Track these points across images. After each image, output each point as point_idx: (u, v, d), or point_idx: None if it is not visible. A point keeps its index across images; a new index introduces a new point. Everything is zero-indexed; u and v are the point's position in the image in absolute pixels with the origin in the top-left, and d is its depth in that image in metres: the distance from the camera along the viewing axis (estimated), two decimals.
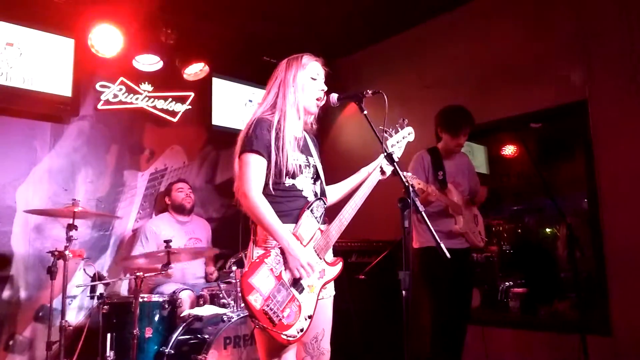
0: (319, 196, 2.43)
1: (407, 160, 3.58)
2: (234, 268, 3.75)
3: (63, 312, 3.41)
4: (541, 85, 4.16)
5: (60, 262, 3.46)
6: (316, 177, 2.47)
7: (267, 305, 2.12)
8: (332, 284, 2.44)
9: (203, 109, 5.26)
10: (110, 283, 4.28)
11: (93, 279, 3.68)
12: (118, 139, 4.81)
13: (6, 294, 4.10)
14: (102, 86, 4.66)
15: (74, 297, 4.36)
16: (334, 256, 2.45)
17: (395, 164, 2.34)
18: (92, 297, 3.66)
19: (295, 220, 2.32)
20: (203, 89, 5.23)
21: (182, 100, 5.13)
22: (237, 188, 2.33)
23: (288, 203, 2.33)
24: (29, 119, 4.32)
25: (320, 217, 2.39)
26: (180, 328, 3.55)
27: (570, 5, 4.03)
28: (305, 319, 2.24)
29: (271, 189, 2.30)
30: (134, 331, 3.34)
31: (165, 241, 3.71)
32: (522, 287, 4.81)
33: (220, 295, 3.80)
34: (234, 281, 3.77)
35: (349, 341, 4.01)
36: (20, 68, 4.15)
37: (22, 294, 4.16)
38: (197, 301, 3.96)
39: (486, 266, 5.12)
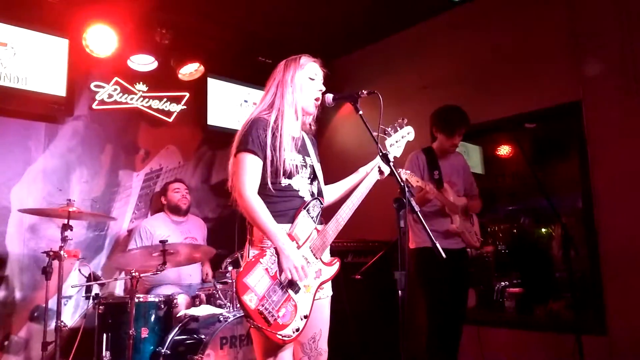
0: (315, 196, 2.43)
1: (402, 161, 3.59)
2: (230, 268, 3.75)
3: (58, 313, 3.39)
4: (536, 86, 4.17)
5: (56, 263, 3.44)
6: (313, 177, 2.47)
7: (262, 305, 2.12)
8: (329, 284, 2.45)
9: (198, 109, 5.25)
10: (105, 283, 4.28)
11: (88, 279, 3.67)
12: (113, 139, 4.79)
13: (1, 294, 4.08)
14: (96, 86, 4.65)
15: (70, 297, 4.35)
16: (331, 256, 2.46)
17: (390, 164, 2.34)
18: (87, 298, 3.65)
19: (291, 220, 2.32)
20: (198, 89, 5.22)
21: (177, 100, 5.12)
22: (231, 186, 2.33)
23: (284, 203, 2.33)
24: (24, 119, 4.30)
25: (317, 216, 2.39)
26: (177, 328, 3.55)
27: (565, 6, 4.05)
28: (301, 319, 2.24)
29: (267, 188, 2.31)
30: (130, 331, 3.32)
31: (160, 241, 3.69)
32: (518, 287, 4.82)
33: (217, 295, 3.79)
34: (230, 281, 3.76)
35: (345, 341, 4.02)
36: (15, 68, 4.13)
37: (17, 294, 4.15)
38: (193, 301, 3.96)
39: (482, 266, 5.13)
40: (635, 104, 3.65)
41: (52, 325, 3.44)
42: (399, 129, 2.66)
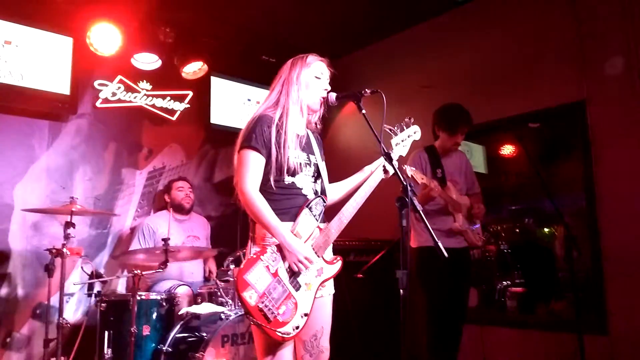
0: (318, 194, 2.43)
1: (404, 160, 3.58)
2: (232, 266, 3.76)
3: (60, 310, 3.40)
4: (540, 85, 4.17)
5: (58, 260, 3.46)
6: (317, 176, 2.48)
7: (262, 302, 2.12)
8: (331, 282, 2.44)
9: (201, 107, 5.26)
10: (107, 281, 4.28)
11: (91, 276, 3.69)
12: (116, 137, 4.80)
13: (4, 291, 4.10)
14: (100, 84, 4.66)
15: (72, 294, 4.36)
16: (334, 255, 2.45)
17: (393, 162, 2.34)
18: (89, 295, 3.67)
19: (294, 218, 2.32)
20: (202, 87, 5.23)
21: (180, 98, 5.13)
22: (236, 183, 2.34)
23: (287, 201, 2.34)
24: (27, 117, 4.31)
25: (319, 215, 2.39)
26: (178, 326, 3.55)
27: (569, 5, 4.04)
28: (302, 317, 2.24)
29: (271, 185, 2.31)
30: (132, 329, 3.33)
31: (163, 239, 3.70)
32: (520, 286, 4.81)
33: (218, 293, 3.80)
34: (232, 279, 3.77)
35: (347, 339, 4.02)
36: (19, 66, 4.14)
37: (20, 291, 4.16)
38: (195, 299, 3.96)
39: (484, 265, 5.12)
40: None
41: (55, 322, 3.45)
42: (405, 128, 2.65)
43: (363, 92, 2.37)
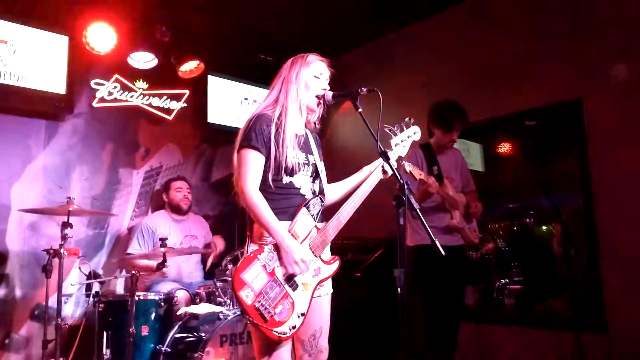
0: (316, 194, 2.43)
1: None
2: (229, 266, 3.75)
3: (59, 311, 3.39)
4: (536, 83, 4.17)
5: (56, 260, 3.44)
6: (315, 176, 2.48)
7: (259, 301, 2.13)
8: (329, 281, 2.44)
9: (198, 106, 5.24)
10: (105, 281, 4.28)
11: (88, 277, 3.69)
12: (113, 136, 4.79)
13: (1, 292, 4.08)
14: (96, 84, 4.64)
15: (70, 295, 4.35)
16: (332, 254, 2.45)
17: (390, 161, 2.34)
18: (87, 296, 3.66)
19: (291, 218, 2.32)
20: (198, 86, 5.21)
21: (177, 98, 5.11)
22: (235, 181, 2.34)
23: (285, 200, 2.34)
24: (24, 117, 4.30)
25: (317, 214, 2.39)
26: (177, 326, 3.55)
27: (566, 3, 4.04)
28: (299, 317, 2.24)
29: (269, 185, 2.31)
30: (130, 329, 3.33)
31: (160, 239, 3.70)
32: (518, 284, 4.82)
33: (217, 293, 3.79)
34: (230, 279, 3.76)
35: (345, 338, 4.02)
36: (14, 65, 4.12)
37: (18, 292, 4.15)
38: (193, 299, 3.96)
39: (482, 264, 5.13)
40: (636, 102, 3.64)
41: (53, 323, 3.45)
42: (405, 128, 2.65)
43: (359, 90, 2.36)
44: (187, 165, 5.28)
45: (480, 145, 5.39)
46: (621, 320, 3.61)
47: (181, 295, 3.89)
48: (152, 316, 3.60)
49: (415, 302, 3.55)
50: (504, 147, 5.55)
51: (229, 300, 3.70)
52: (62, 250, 3.42)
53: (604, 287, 3.72)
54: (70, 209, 3.49)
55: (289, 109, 2.38)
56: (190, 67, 4.94)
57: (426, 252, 3.17)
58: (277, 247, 2.24)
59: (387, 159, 2.33)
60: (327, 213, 2.46)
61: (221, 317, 3.45)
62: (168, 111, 5.07)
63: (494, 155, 5.52)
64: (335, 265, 2.41)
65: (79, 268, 4.17)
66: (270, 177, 2.31)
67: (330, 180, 2.61)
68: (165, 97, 5.04)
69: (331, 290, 2.48)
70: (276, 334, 2.15)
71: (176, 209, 4.62)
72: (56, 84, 4.30)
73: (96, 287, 3.77)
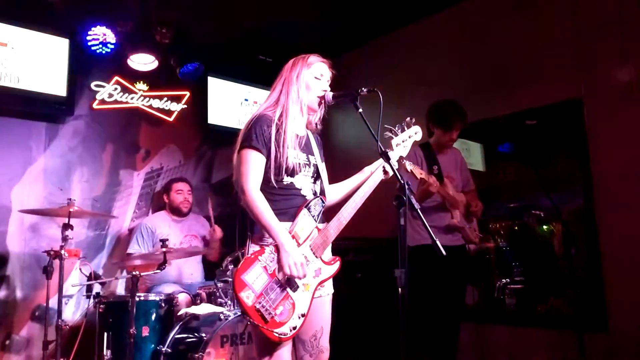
0: (317, 195, 2.43)
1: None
2: (230, 267, 3.75)
3: (59, 312, 3.40)
4: (537, 83, 4.16)
5: (56, 262, 3.44)
6: (316, 177, 2.47)
7: (259, 303, 2.12)
8: (330, 282, 2.44)
9: (199, 108, 5.25)
10: (106, 282, 4.28)
11: (89, 278, 3.68)
12: (113, 138, 4.80)
13: (2, 294, 4.09)
14: (97, 86, 4.65)
15: (70, 296, 4.36)
16: (333, 255, 2.45)
17: (390, 162, 2.34)
18: (88, 297, 3.66)
19: (292, 219, 2.32)
20: (199, 88, 5.22)
21: (177, 99, 5.12)
22: (236, 182, 2.34)
23: (285, 201, 2.34)
24: (24, 119, 4.31)
25: (318, 215, 2.39)
26: (177, 327, 3.54)
27: (567, 3, 4.04)
28: (299, 317, 2.24)
29: (270, 185, 2.31)
30: (131, 330, 3.32)
31: (161, 240, 3.70)
32: (519, 284, 4.81)
33: (217, 293, 3.79)
34: (230, 280, 3.76)
35: (346, 339, 4.02)
36: (15, 68, 4.13)
37: (18, 293, 4.16)
38: (194, 300, 3.96)
39: (482, 263, 5.13)
40: (636, 102, 3.64)
41: (53, 324, 3.45)
42: (406, 128, 2.64)
43: (360, 91, 2.36)
44: (188, 167, 5.28)
45: (480, 145, 5.38)
46: (622, 319, 3.60)
47: (182, 298, 3.89)
48: (153, 317, 3.59)
49: (417, 302, 3.54)
50: (505, 147, 5.54)
51: (229, 301, 3.69)
52: (62, 252, 3.42)
53: (605, 286, 3.71)
54: (71, 210, 3.49)
55: (290, 110, 2.38)
56: (190, 68, 4.93)
57: (426, 252, 3.17)
58: (277, 248, 2.23)
59: (387, 159, 2.33)
60: (328, 214, 2.45)
61: (222, 317, 3.45)
62: (168, 113, 5.08)
63: (494, 155, 5.51)
64: (336, 266, 2.41)
65: (80, 269, 4.17)
66: (271, 177, 2.31)
67: (331, 180, 2.61)
68: (165, 98, 5.04)
69: (332, 291, 2.48)
70: (277, 335, 2.15)
71: (176, 212, 4.62)
72: (57, 86, 4.31)
73: (97, 288, 3.77)
